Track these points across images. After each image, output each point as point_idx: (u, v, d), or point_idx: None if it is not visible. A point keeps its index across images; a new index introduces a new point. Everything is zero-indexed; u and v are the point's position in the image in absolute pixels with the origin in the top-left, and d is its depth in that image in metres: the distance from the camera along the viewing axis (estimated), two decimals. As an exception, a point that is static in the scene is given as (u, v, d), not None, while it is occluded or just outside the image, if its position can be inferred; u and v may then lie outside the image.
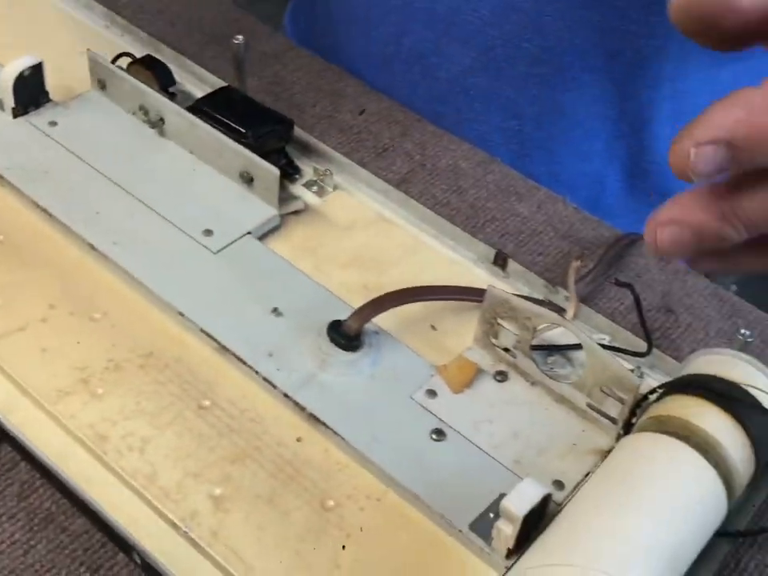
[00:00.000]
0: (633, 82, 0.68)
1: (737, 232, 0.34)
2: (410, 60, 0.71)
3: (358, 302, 0.50)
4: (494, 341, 0.50)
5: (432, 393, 0.49)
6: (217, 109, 0.57)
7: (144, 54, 0.63)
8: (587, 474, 0.46)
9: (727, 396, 0.44)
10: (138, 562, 0.42)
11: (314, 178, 0.59)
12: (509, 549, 0.42)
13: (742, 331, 0.48)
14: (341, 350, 0.49)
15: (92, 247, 0.52)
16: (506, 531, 0.41)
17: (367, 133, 0.64)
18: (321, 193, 0.59)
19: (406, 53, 0.71)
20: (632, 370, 0.51)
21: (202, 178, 0.57)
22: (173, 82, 0.61)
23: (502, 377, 0.50)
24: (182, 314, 0.50)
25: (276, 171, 0.54)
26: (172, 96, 0.60)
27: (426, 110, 0.68)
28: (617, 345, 0.52)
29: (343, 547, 0.42)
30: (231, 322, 0.50)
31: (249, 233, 0.54)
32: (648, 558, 0.39)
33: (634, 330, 0.53)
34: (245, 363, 0.48)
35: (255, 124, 0.57)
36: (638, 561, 0.39)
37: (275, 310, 0.51)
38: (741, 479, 0.44)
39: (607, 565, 0.38)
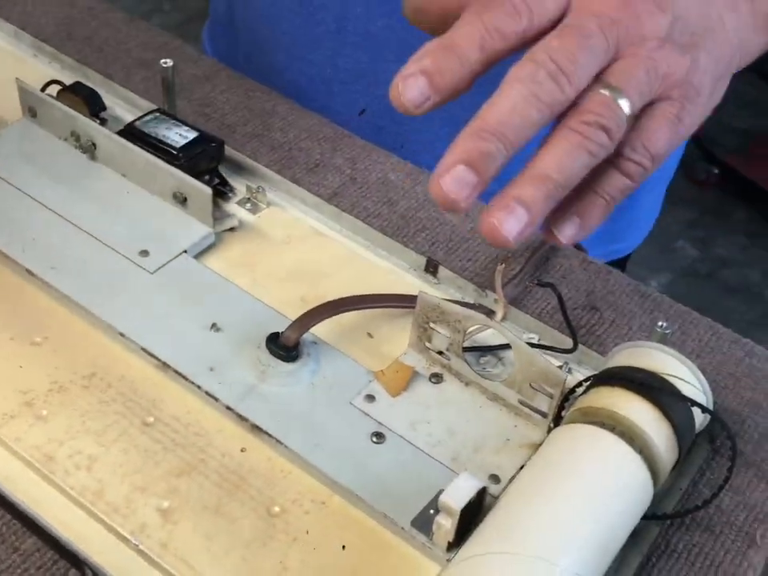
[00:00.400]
0: None
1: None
2: (348, 80, 0.73)
3: (296, 315, 0.52)
4: (428, 345, 0.53)
5: (371, 397, 0.50)
6: (148, 131, 0.59)
7: (73, 80, 0.63)
8: (521, 467, 0.48)
9: (649, 386, 0.47)
10: (90, 576, 0.43)
11: (247, 196, 0.61)
12: (449, 542, 0.44)
13: (660, 323, 0.51)
14: (280, 361, 0.50)
15: (30, 273, 0.53)
16: (446, 525, 0.43)
17: (298, 150, 0.66)
18: (255, 210, 0.60)
19: (343, 74, 0.73)
20: (560, 366, 0.54)
21: (135, 200, 0.58)
22: (103, 107, 0.62)
23: (437, 379, 0.52)
24: (122, 334, 0.51)
25: (209, 190, 0.56)
26: (103, 121, 0.61)
27: (368, 126, 0.70)
28: (545, 343, 0.55)
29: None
30: (171, 339, 0.51)
31: (185, 251, 0.56)
32: (580, 543, 0.41)
33: (561, 328, 0.55)
34: (186, 379, 0.49)
35: (186, 145, 0.58)
36: (570, 546, 0.41)
37: (214, 326, 0.52)
38: (665, 465, 0.46)
39: (541, 551, 0.40)
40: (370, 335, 0.54)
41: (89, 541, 0.43)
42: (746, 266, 1.88)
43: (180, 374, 0.49)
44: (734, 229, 1.96)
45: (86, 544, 0.43)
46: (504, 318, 0.56)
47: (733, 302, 1.78)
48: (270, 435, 0.48)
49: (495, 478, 0.48)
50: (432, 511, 0.45)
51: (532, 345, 0.52)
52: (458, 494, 0.43)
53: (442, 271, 0.58)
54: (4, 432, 0.46)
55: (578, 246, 0.63)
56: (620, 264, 0.84)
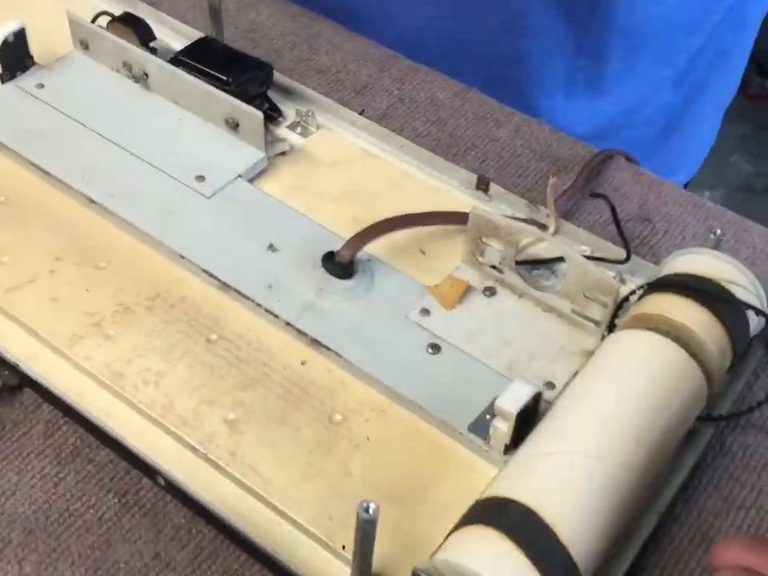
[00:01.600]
0: (588, 20, 0.71)
1: None
2: (379, 7, 0.73)
3: (349, 234, 0.52)
4: (481, 259, 0.53)
5: (426, 311, 0.51)
6: (198, 59, 0.59)
7: (122, 11, 0.64)
8: (576, 374, 0.49)
9: (703, 291, 0.47)
10: (163, 484, 0.45)
11: (297, 120, 0.61)
12: (506, 445, 0.45)
13: (714, 230, 0.50)
14: (336, 279, 0.51)
15: (91, 200, 0.55)
16: (502, 429, 0.44)
17: (345, 72, 0.66)
18: (305, 133, 0.61)
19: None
20: (613, 277, 0.54)
21: (189, 127, 0.59)
22: (153, 36, 0.63)
23: (490, 292, 0.53)
24: (183, 257, 0.52)
25: (260, 115, 0.56)
26: (153, 50, 0.62)
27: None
28: (598, 255, 0.55)
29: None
30: (230, 260, 0.52)
31: (239, 176, 0.57)
32: (635, 442, 0.42)
33: (614, 240, 0.56)
34: (246, 297, 0.51)
35: (236, 71, 0.59)
36: (625, 445, 0.42)
37: (271, 246, 0.53)
38: (719, 368, 0.47)
39: (596, 450, 0.41)
40: (422, 252, 0.55)
41: (160, 451, 0.45)
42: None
43: (240, 293, 0.51)
44: (789, 139, 1.91)
45: (157, 454, 0.45)
46: (556, 232, 0.56)
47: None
48: (329, 349, 0.49)
49: (550, 385, 0.48)
50: (489, 416, 0.46)
51: (585, 257, 0.52)
52: (514, 398, 0.44)
53: (493, 188, 0.58)
54: (75, 351, 0.48)
55: (629, 158, 0.63)
56: None
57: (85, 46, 0.62)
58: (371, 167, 0.60)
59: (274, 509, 0.43)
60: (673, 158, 0.81)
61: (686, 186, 0.85)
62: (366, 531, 0.37)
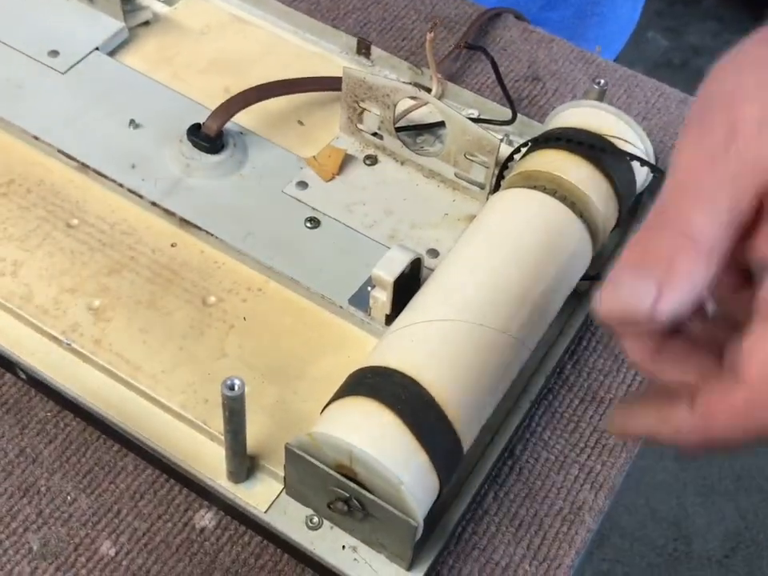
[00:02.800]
0: None
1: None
2: None
3: (220, 106, 0.49)
4: (359, 126, 0.50)
5: (303, 184, 0.49)
6: None
7: None
8: (460, 239, 0.47)
9: (585, 144, 0.45)
10: (24, 378, 0.42)
11: (161, -14, 0.57)
12: (387, 315, 0.43)
13: (597, 80, 0.48)
14: (204, 153, 0.48)
15: (-68, 82, 0.50)
16: (381, 298, 0.42)
17: (214, -65, 0.61)
18: (169, 1, 0.56)
19: None
20: (501, 139, 0.51)
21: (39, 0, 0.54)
22: None
23: (371, 160, 0.50)
24: (37, 138, 0.48)
25: (115, -20, 0.52)
26: None
27: None
28: (484, 117, 0.53)
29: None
30: (89, 139, 0.49)
31: (97, 49, 0.52)
32: (517, 305, 0.40)
33: (502, 102, 0.53)
34: (108, 178, 0.47)
35: (87, -67, 0.54)
36: (506, 308, 0.40)
37: (132, 122, 0.49)
38: (605, 226, 0.45)
39: (477, 316, 0.39)
40: (300, 122, 0.52)
41: (20, 344, 0.42)
42: (718, 53, 1.83)
43: (101, 174, 0.47)
44: (704, 15, 1.89)
45: (17, 347, 0.42)
46: (442, 96, 0.53)
47: (706, 91, 1.73)
48: (199, 228, 0.46)
49: (433, 252, 0.47)
50: (369, 288, 0.44)
51: (470, 120, 0.49)
52: (391, 266, 0.42)
53: (375, 51, 0.55)
54: None
55: (518, 16, 0.60)
56: None
57: None
58: (243, 34, 0.56)
59: (145, 396, 0.41)
60: (593, 36, 0.78)
61: None
62: (232, 409, 0.36)
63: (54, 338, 0.42)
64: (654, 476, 1.25)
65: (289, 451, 0.37)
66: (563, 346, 0.45)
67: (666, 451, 1.26)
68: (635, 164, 0.45)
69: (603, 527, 1.16)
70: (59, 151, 0.48)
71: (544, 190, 0.44)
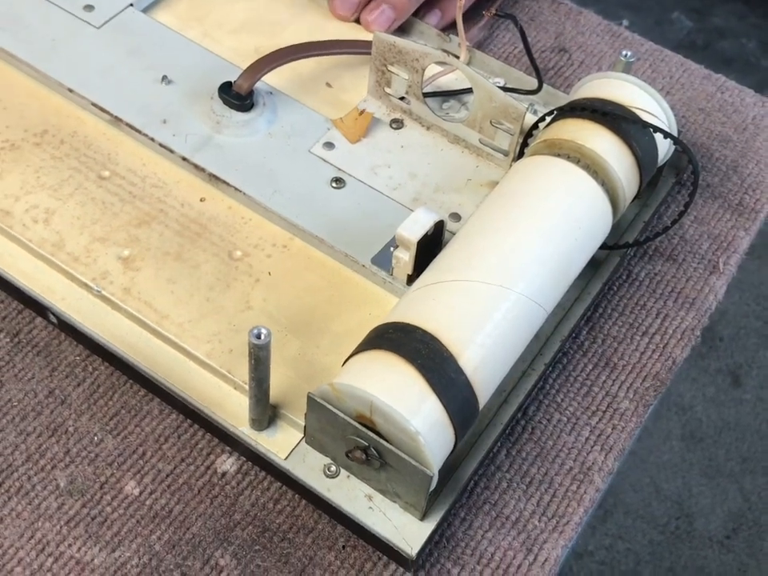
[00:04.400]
0: None
1: None
2: None
3: (251, 66, 0.50)
4: (387, 90, 0.51)
5: (330, 145, 0.50)
6: None
7: None
8: (482, 204, 0.48)
9: (609, 114, 0.45)
10: (55, 322, 0.43)
11: (195, -55, 0.57)
12: (408, 275, 0.44)
13: (624, 53, 0.49)
14: (234, 111, 0.49)
15: (-30, 32, 0.51)
16: (404, 258, 0.43)
17: None
18: (203, -40, 0.57)
19: None
20: (526, 108, 0.52)
21: (76, -47, 0.55)
22: None
23: (397, 124, 0.51)
24: (71, 90, 0.49)
25: (151, -63, 0.52)
26: None
27: None
28: (510, 86, 0.53)
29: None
30: (122, 93, 0.50)
31: (131, 5, 0.53)
32: (535, 269, 0.41)
33: (528, 71, 0.54)
34: (140, 132, 0.48)
35: None
36: (525, 272, 0.41)
37: (165, 78, 0.50)
38: (625, 195, 0.46)
39: (496, 277, 0.40)
40: (328, 85, 0.53)
41: (51, 290, 0.44)
42: (742, 36, 1.82)
43: (133, 128, 0.48)
44: (731, -3, 1.88)
45: (48, 293, 0.43)
46: (468, 63, 0.54)
47: (728, 72, 1.73)
48: (228, 184, 0.47)
49: (456, 216, 0.47)
50: (392, 249, 0.45)
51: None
52: (414, 227, 0.42)
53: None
54: (-42, 190, 0.46)
55: (546, -13, 0.60)
56: None
57: None
58: (275, -4, 0.56)
59: (172, 343, 0.42)
60: None
61: None
62: (258, 357, 0.37)
63: (85, 285, 0.44)
64: (661, 456, 1.26)
65: (311, 400, 0.38)
66: (579, 312, 0.46)
67: (672, 431, 1.28)
68: (658, 136, 0.46)
69: (607, 503, 1.17)
70: (93, 104, 0.49)
71: (567, 157, 0.45)
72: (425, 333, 0.38)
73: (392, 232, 0.46)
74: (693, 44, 1.82)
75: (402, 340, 0.38)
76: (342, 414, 0.37)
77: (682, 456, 1.27)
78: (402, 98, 0.51)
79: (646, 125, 0.46)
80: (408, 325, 0.39)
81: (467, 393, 0.38)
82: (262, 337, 0.36)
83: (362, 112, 0.51)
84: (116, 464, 0.40)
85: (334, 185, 0.48)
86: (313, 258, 0.46)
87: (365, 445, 0.38)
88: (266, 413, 0.40)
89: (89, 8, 0.53)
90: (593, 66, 0.57)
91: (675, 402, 1.28)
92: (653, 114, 0.47)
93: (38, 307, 0.43)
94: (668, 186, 0.51)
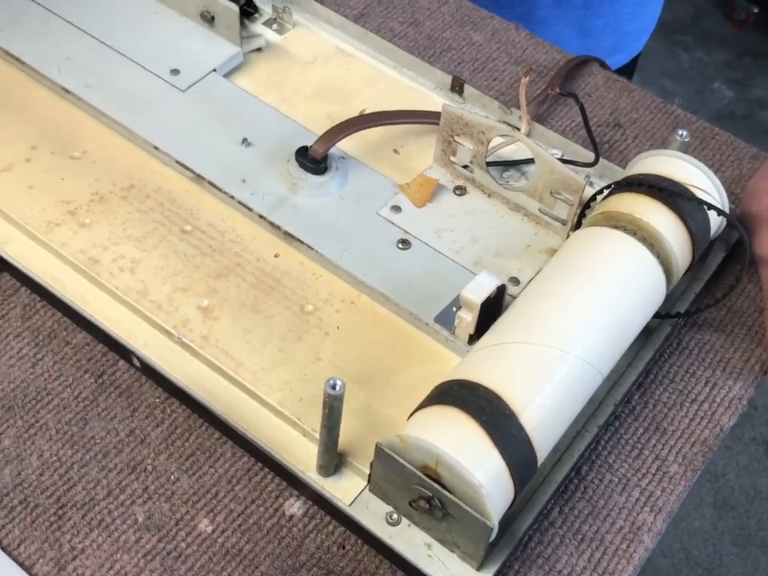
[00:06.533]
0: None
1: None
2: None
3: (323, 131, 0.53)
4: (452, 158, 0.54)
5: (397, 208, 0.53)
6: (174, -49, 0.59)
7: None
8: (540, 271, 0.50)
9: (666, 191, 0.48)
10: (138, 365, 0.46)
11: (274, 16, 0.61)
12: (470, 335, 0.46)
13: (679, 132, 0.51)
14: (310, 174, 0.52)
15: (66, 91, 0.55)
16: (467, 319, 0.46)
17: (323, -29, 0.66)
18: (281, 30, 0.61)
19: None
20: (585, 181, 0.55)
21: (164, 20, 0.59)
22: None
23: (461, 191, 0.54)
24: (157, 148, 0.53)
25: (236, 8, 0.56)
26: (129, -58, 0.61)
27: None
28: (568, 158, 0.56)
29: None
30: (204, 153, 0.53)
31: (214, 70, 0.57)
32: (593, 335, 0.44)
33: (584, 144, 0.57)
34: (220, 190, 0.51)
35: (213, -36, 0.58)
36: (583, 337, 0.43)
37: (245, 141, 0.54)
38: (679, 268, 0.48)
39: (555, 341, 0.43)
40: (396, 151, 0.56)
41: (135, 335, 0.47)
42: (784, 107, 1.85)
43: (214, 186, 0.52)
44: (772, 70, 1.91)
45: (132, 338, 0.46)
46: (528, 135, 0.57)
47: (768, 144, 1.75)
48: (301, 242, 0.50)
49: (515, 281, 0.50)
50: (454, 309, 0.47)
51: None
52: (479, 289, 0.45)
53: (468, 90, 0.59)
54: (50, 238, 0.49)
55: (602, 65, 0.64)
56: (627, 71, 0.84)
57: (59, -65, 0.61)
58: (347, 66, 0.60)
59: (246, 390, 0.45)
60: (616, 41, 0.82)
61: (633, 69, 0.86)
62: (332, 407, 0.39)
63: (166, 332, 0.46)
64: (692, 522, 1.26)
65: (379, 450, 0.40)
66: (632, 378, 0.48)
67: (705, 498, 1.28)
68: (710, 212, 0.48)
69: (638, 567, 1.17)
70: (177, 162, 0.52)
71: (624, 230, 0.47)
72: (488, 391, 0.41)
73: (454, 292, 0.48)
74: (733, 114, 1.85)
75: (467, 397, 0.40)
76: (408, 465, 0.39)
77: (713, 523, 1.27)
78: (465, 166, 0.54)
79: (700, 201, 0.48)
80: (473, 383, 0.41)
81: (527, 449, 0.40)
82: (337, 388, 0.39)
83: (427, 178, 0.54)
84: (191, 502, 0.43)
85: (400, 246, 0.51)
86: (379, 315, 0.49)
87: (428, 495, 0.40)
88: (334, 460, 0.43)
89: (175, 72, 0.56)
90: (646, 141, 0.60)
91: (708, 469, 1.29)
92: (706, 191, 0.49)
93: (122, 351, 0.46)
94: (718, 259, 0.53)
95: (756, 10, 1.95)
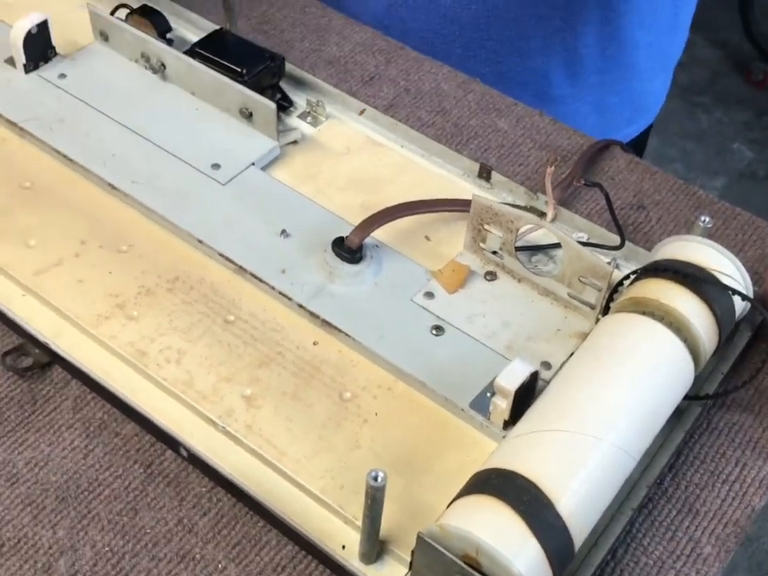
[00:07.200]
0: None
1: None
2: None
3: (357, 220, 0.55)
4: (482, 245, 0.56)
5: (430, 294, 0.54)
6: (213, 51, 0.62)
7: (140, 3, 0.67)
8: (571, 355, 0.52)
9: (692, 276, 0.50)
10: (185, 455, 0.48)
11: (308, 109, 0.64)
12: (505, 421, 0.48)
13: (702, 218, 0.53)
14: (346, 263, 0.54)
15: (112, 186, 0.57)
16: (501, 405, 0.47)
17: (354, 63, 0.69)
18: (315, 122, 0.64)
19: None
20: (608, 263, 0.57)
21: (205, 117, 0.62)
22: (169, 28, 0.65)
23: (491, 276, 0.56)
24: (200, 241, 0.55)
25: (273, 105, 0.59)
26: (170, 42, 0.65)
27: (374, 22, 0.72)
28: (593, 241, 0.58)
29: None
30: (245, 244, 0.55)
31: (253, 164, 0.59)
32: (625, 420, 0.45)
33: (609, 227, 0.58)
34: (261, 280, 0.54)
35: (249, 63, 0.62)
36: (615, 423, 0.45)
37: (284, 232, 0.56)
38: (706, 351, 0.50)
39: (588, 428, 0.44)
40: (427, 238, 0.58)
41: (182, 425, 0.48)
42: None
43: (255, 277, 0.54)
44: (791, 130, 1.93)
45: (179, 428, 0.48)
46: (554, 219, 0.59)
47: (788, 204, 1.76)
48: (339, 330, 0.52)
49: (547, 365, 0.52)
50: (489, 394, 0.49)
51: (581, 243, 0.55)
52: (513, 377, 0.47)
53: (495, 176, 0.61)
54: (100, 331, 0.51)
55: (624, 148, 0.66)
56: (637, 147, 0.86)
57: (105, 37, 0.65)
58: (378, 156, 0.62)
59: (289, 479, 0.47)
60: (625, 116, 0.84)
61: (645, 143, 0.88)
62: (374, 497, 0.41)
63: (211, 422, 0.48)
64: (727, 587, 1.25)
65: (421, 539, 0.42)
66: (664, 460, 0.49)
67: (739, 562, 1.27)
68: (735, 296, 0.50)
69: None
70: (219, 254, 0.55)
71: (652, 315, 0.49)
72: (526, 480, 0.42)
73: (488, 378, 0.50)
74: (754, 174, 1.87)
75: (505, 486, 0.42)
76: (450, 555, 0.41)
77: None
78: (494, 253, 0.56)
79: (725, 287, 0.50)
80: (510, 472, 0.43)
81: (564, 537, 0.42)
82: (379, 479, 0.40)
83: (459, 265, 0.56)
84: (238, 590, 0.44)
85: (434, 332, 0.53)
86: (415, 401, 0.50)
87: (470, 583, 0.41)
88: (376, 548, 0.44)
89: (216, 166, 0.59)
90: (670, 221, 0.62)
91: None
92: (730, 276, 0.51)
93: (169, 441, 0.48)
94: (744, 340, 0.54)
95: (773, 71, 1.98)
